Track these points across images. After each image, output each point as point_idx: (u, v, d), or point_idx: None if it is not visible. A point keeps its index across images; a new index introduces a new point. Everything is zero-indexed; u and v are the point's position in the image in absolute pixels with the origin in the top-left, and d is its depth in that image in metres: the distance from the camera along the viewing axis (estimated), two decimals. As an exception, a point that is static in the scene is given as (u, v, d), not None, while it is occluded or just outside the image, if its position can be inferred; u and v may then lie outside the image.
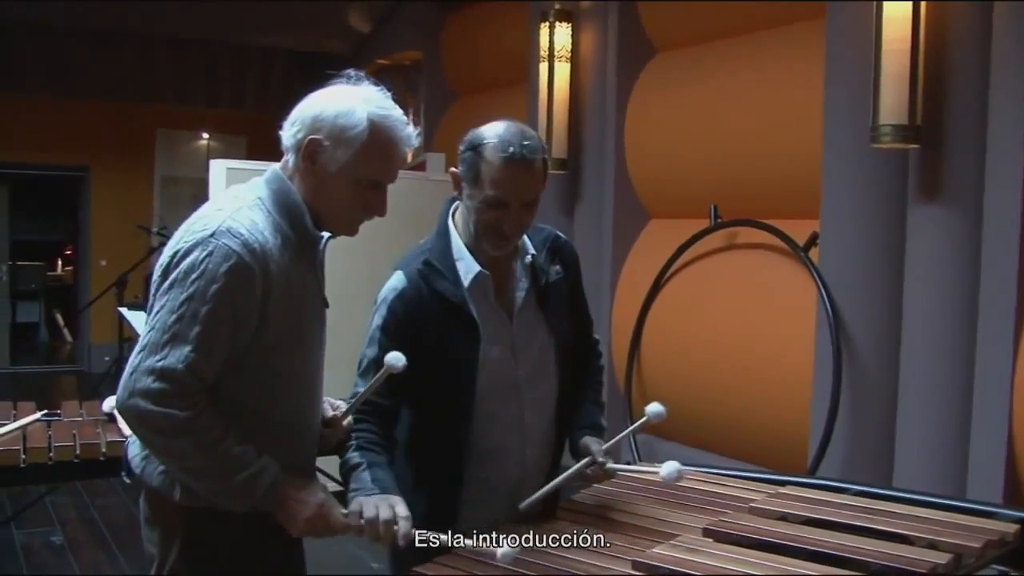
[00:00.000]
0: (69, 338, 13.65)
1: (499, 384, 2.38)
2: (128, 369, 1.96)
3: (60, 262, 14.75)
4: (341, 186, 2.10)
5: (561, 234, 2.57)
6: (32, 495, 5.48)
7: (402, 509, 2.08)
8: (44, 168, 11.66)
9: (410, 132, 2.15)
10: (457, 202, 2.42)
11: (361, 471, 2.19)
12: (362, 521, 2.07)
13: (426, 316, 2.31)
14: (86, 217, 11.80)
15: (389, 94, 2.15)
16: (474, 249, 2.37)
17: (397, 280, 2.35)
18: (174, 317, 1.95)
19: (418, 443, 2.42)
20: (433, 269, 2.35)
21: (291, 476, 2.05)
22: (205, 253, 1.97)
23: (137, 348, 1.98)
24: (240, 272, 1.97)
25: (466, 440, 2.36)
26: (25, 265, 13.43)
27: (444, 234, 2.41)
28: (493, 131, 2.29)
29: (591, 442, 2.41)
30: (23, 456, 3.36)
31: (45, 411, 3.75)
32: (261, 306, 2.01)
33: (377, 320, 2.34)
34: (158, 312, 1.98)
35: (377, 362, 2.25)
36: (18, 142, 10.78)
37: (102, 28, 9.98)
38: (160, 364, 1.93)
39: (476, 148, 2.28)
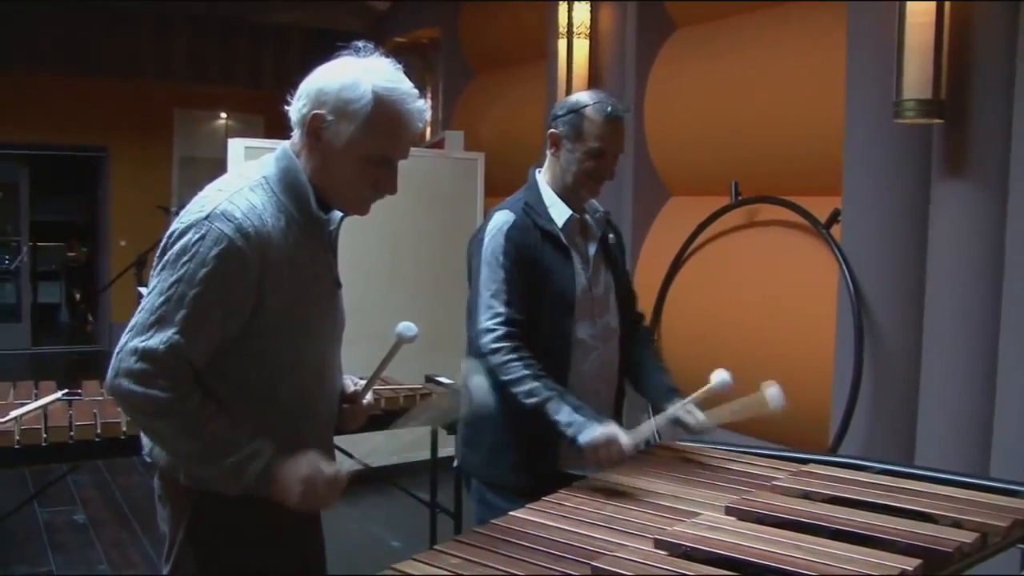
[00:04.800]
0: (90, 318, 13.72)
1: (583, 313, 2.80)
2: (116, 349, 1.96)
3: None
4: (347, 163, 2.05)
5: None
6: (54, 474, 5.51)
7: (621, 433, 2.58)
8: (63, 149, 11.70)
9: (420, 106, 2.08)
10: (538, 169, 2.89)
11: (558, 401, 2.60)
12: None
13: (533, 244, 2.75)
14: (105, 197, 11.83)
15: (400, 67, 2.09)
16: (565, 198, 2.82)
17: (507, 216, 2.77)
18: (162, 299, 1.93)
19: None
20: (533, 209, 2.80)
21: (282, 457, 2.00)
22: (198, 236, 1.95)
23: (127, 328, 1.97)
24: (231, 257, 1.94)
25: (568, 357, 2.77)
26: (45, 246, 13.49)
27: (535, 188, 2.86)
28: (588, 96, 2.81)
29: (683, 413, 2.77)
30: (44, 435, 3.38)
31: (66, 390, 3.77)
32: (257, 290, 1.98)
33: (496, 247, 2.72)
34: (149, 293, 1.97)
35: (510, 281, 2.68)
36: (37, 123, 10.81)
37: (119, 7, 9.98)
38: (143, 345, 1.91)
39: (577, 110, 2.77)
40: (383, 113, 2.02)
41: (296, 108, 2.07)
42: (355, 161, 2.05)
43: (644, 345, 3.05)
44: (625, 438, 2.58)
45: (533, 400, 2.61)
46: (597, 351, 2.85)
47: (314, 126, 2.03)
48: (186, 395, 1.94)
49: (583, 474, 2.55)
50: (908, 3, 3.65)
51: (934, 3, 3.60)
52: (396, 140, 2.07)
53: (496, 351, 2.65)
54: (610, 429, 2.57)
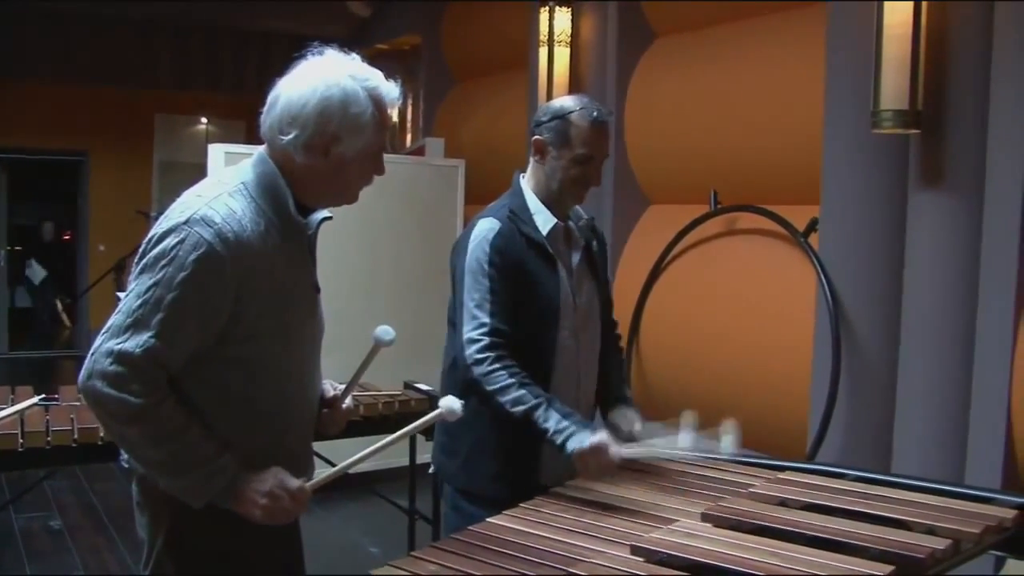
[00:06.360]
0: (68, 323, 13.65)
1: (566, 322, 2.75)
2: (91, 350, 1.95)
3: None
4: (357, 166, 2.09)
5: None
6: (30, 480, 5.48)
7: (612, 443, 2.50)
8: (43, 153, 11.65)
9: (394, 88, 2.13)
10: (522, 173, 2.82)
11: (546, 408, 2.54)
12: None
13: (518, 252, 2.68)
14: (85, 202, 11.80)
15: (357, 57, 2.12)
16: (550, 205, 2.76)
17: (492, 223, 2.70)
18: (139, 302, 1.93)
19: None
20: (517, 217, 2.73)
21: (247, 471, 1.99)
22: (177, 240, 1.94)
23: (103, 330, 1.97)
24: (210, 262, 1.94)
25: (551, 369, 2.71)
26: (24, 251, 13.41)
27: (519, 194, 2.79)
28: (573, 102, 2.74)
29: (620, 418, 2.76)
30: (21, 440, 3.37)
31: (43, 395, 3.75)
32: (236, 296, 1.98)
33: (480, 255, 2.66)
34: (127, 295, 1.96)
35: (494, 291, 2.62)
36: (17, 127, 10.77)
37: (102, 13, 9.94)
38: (119, 347, 1.91)
39: (563, 116, 2.70)
40: (381, 112, 2.09)
41: (292, 135, 2.04)
42: (363, 162, 2.10)
43: (613, 356, 3.01)
44: (616, 448, 2.49)
45: (520, 408, 2.54)
46: (578, 361, 2.80)
47: (324, 144, 2.04)
48: (158, 402, 1.93)
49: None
50: (886, 13, 3.68)
51: (911, 14, 3.63)
52: (387, 128, 2.14)
53: (480, 361, 2.58)
54: (600, 437, 2.49)
